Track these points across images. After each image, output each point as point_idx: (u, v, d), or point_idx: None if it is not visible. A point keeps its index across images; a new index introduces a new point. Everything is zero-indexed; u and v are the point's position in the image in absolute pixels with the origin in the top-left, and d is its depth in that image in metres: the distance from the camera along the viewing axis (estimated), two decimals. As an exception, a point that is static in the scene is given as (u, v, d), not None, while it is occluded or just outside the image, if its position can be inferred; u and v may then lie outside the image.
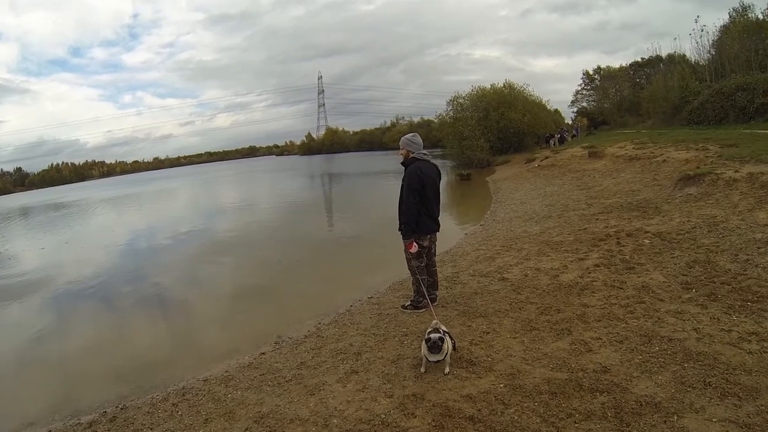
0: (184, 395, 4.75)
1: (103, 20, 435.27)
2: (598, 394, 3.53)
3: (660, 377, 3.65)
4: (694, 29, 35.59)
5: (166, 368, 5.91)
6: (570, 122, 56.77)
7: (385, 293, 7.28)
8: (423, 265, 5.86)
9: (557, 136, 36.14)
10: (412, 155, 5.71)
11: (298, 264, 10.90)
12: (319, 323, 6.39)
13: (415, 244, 5.57)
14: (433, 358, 4.13)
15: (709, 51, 33.41)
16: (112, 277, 11.52)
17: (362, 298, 7.26)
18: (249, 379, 4.84)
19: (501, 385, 3.85)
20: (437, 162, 6.23)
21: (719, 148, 13.57)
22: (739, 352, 3.87)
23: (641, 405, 3.34)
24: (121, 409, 4.74)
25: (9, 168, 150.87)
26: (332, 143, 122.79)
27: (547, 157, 23.19)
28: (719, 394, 3.35)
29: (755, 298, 4.83)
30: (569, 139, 37.18)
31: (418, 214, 5.54)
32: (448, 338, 4.19)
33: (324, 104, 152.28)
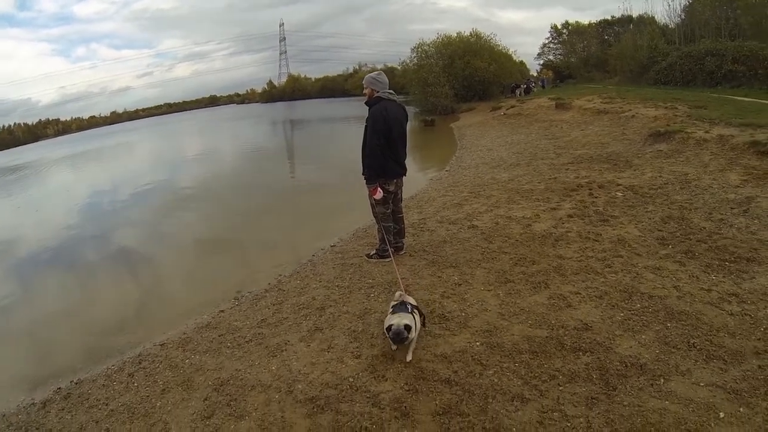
0: (140, 363, 4.27)
1: None
2: (581, 353, 3.31)
3: (643, 336, 3.46)
4: None
5: (122, 333, 5.36)
6: (535, 74, 56.66)
7: (349, 241, 6.95)
8: (389, 212, 5.49)
9: (523, 86, 35.83)
10: (376, 94, 5.23)
11: (259, 214, 10.46)
12: (280, 275, 5.99)
13: (379, 189, 5.19)
14: (396, 347, 3.63)
15: (680, 15, 33.79)
16: (67, 240, 10.60)
17: (325, 246, 6.88)
18: (207, 341, 4.41)
19: (477, 344, 3.59)
20: None
21: (688, 108, 13.55)
22: (721, 313, 3.72)
23: (626, 366, 3.14)
24: (76, 384, 4.21)
25: None
26: (294, 90, 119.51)
27: (513, 106, 22.91)
28: (704, 357, 3.19)
29: (732, 258, 4.70)
30: (535, 90, 37.01)
31: (383, 157, 5.14)
32: (416, 317, 3.56)
33: (286, 51, 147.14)
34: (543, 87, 40.08)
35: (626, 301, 4.01)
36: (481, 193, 8.32)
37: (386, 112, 5.08)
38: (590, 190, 7.59)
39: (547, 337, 3.55)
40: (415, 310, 3.63)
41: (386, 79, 5.31)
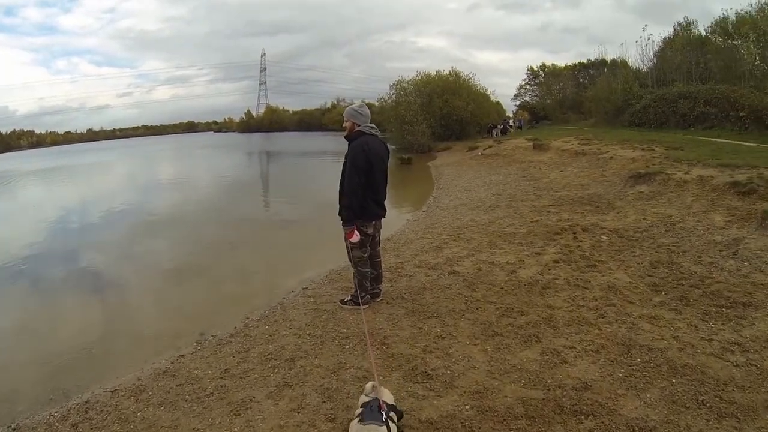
0: (86, 412, 3.76)
1: None
2: (583, 417, 3.00)
3: (648, 395, 3.20)
4: (641, 37, 37.48)
5: (71, 372, 4.90)
6: (511, 115, 57.62)
7: (322, 284, 6.53)
8: (366, 256, 5.13)
9: (500, 126, 36.29)
10: (357, 128, 4.93)
11: (228, 247, 10.04)
12: (248, 318, 5.56)
13: (356, 232, 4.84)
14: None
15: (652, 59, 35.29)
16: (25, 260, 10.00)
17: (296, 289, 6.46)
18: (164, 392, 3.92)
19: (467, 407, 3.24)
20: None
21: (665, 149, 13.77)
22: (726, 364, 3.52)
23: (635, 431, 2.84)
24: (13, 430, 3.77)
25: None
26: (271, 122, 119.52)
27: (490, 146, 23.08)
28: (716, 415, 2.96)
29: (728, 304, 4.55)
30: (512, 131, 37.48)
31: (362, 197, 4.81)
32: (392, 426, 2.56)
33: (266, 82, 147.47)
34: (520, 128, 40.64)
35: (625, 355, 3.76)
36: (461, 236, 8.06)
37: (368, 147, 4.79)
38: (574, 233, 7.42)
39: (543, 398, 3.24)
40: (392, 415, 2.67)
41: (368, 112, 5.06)
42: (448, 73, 39.17)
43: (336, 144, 50.74)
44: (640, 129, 25.41)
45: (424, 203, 12.69)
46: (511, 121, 43.21)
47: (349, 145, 4.94)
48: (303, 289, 6.38)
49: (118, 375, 4.54)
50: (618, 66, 38.51)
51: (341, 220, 4.89)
